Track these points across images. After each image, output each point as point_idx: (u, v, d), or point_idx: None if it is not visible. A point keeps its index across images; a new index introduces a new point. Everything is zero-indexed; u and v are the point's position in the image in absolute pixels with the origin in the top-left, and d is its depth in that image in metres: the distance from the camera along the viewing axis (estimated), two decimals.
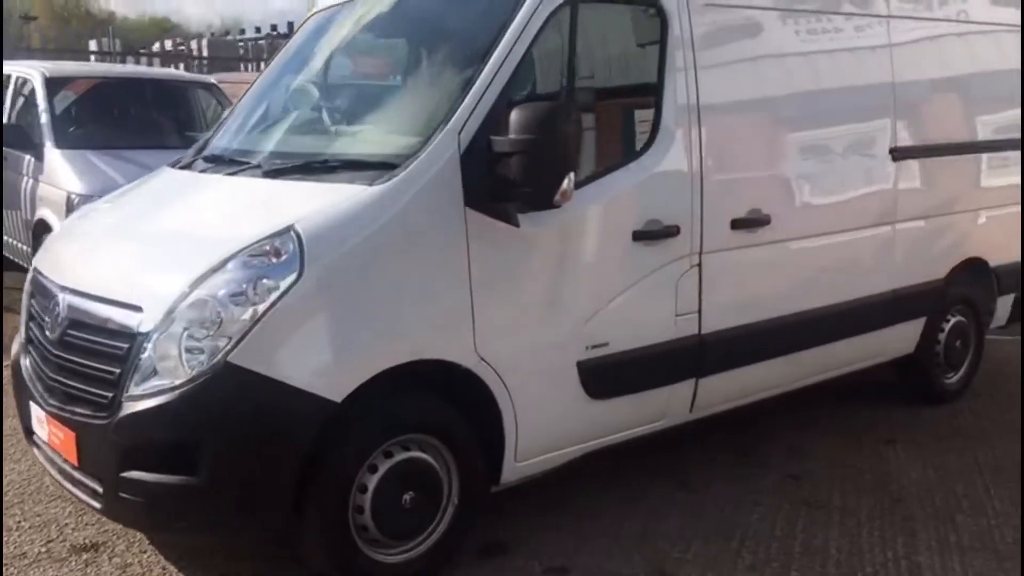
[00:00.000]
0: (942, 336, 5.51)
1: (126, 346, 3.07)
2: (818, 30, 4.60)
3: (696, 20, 3.97)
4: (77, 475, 3.26)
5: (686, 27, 3.93)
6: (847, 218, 4.74)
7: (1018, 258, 5.79)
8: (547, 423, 3.66)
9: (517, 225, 3.37)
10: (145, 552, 3.66)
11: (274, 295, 2.98)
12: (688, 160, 3.95)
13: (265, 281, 2.99)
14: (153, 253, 3.42)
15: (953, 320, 5.56)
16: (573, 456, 3.84)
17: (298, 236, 3.06)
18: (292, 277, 3.00)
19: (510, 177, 3.25)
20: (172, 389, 2.95)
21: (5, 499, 4.11)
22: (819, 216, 4.60)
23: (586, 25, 3.71)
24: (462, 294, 3.31)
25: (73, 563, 3.59)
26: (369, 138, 3.67)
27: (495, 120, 3.31)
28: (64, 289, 3.44)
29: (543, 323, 3.58)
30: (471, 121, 3.31)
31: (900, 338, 5.21)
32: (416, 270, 3.24)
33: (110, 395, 3.07)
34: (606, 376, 3.79)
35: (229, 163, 3.90)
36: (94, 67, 8.98)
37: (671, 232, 3.91)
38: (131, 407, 3.00)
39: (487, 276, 3.37)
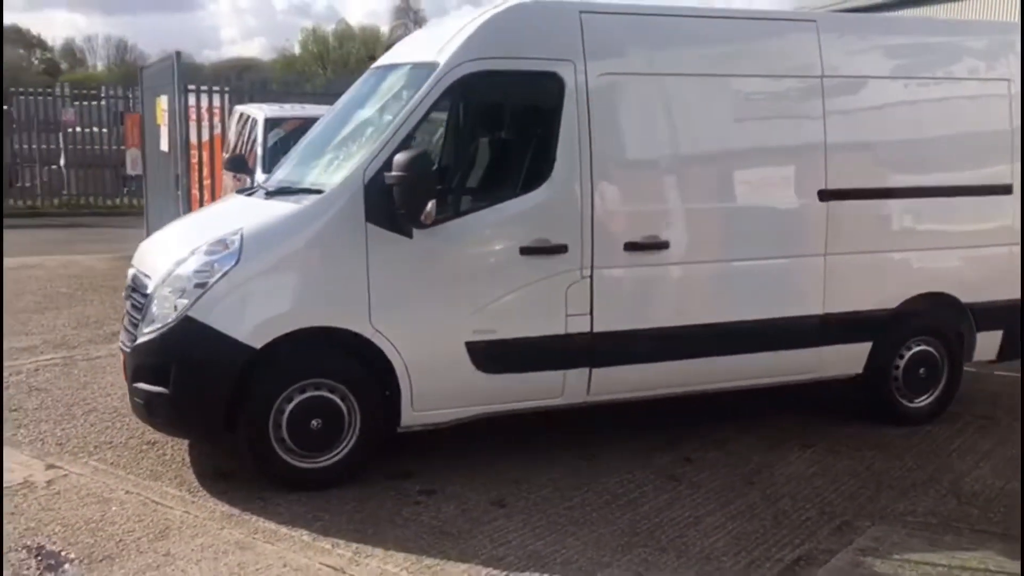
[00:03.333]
0: (900, 362, 6.02)
1: (143, 302, 4.79)
2: (732, 89, 5.48)
3: (593, 83, 5.06)
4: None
5: (582, 89, 5.04)
6: (763, 248, 5.53)
7: (1005, 296, 6.15)
8: (439, 385, 4.93)
9: (410, 236, 4.71)
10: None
11: (219, 274, 4.56)
12: (579, 194, 5.05)
13: (216, 264, 4.59)
14: (175, 244, 5.11)
15: (916, 348, 6.05)
16: (470, 414, 5.08)
17: (242, 235, 4.62)
18: (232, 262, 4.56)
19: (394, 202, 4.61)
20: (157, 331, 4.63)
21: None
22: (724, 245, 5.45)
23: (491, 89, 4.98)
24: (361, 282, 4.69)
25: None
26: (321, 173, 5.16)
27: (391, 163, 4.66)
28: (132, 267, 5.25)
29: (433, 309, 4.86)
30: (374, 163, 4.70)
31: (839, 359, 5.84)
32: (326, 262, 4.68)
33: (135, 333, 4.79)
34: (494, 356, 4.99)
35: (258, 190, 5.55)
36: (309, 108, 11.15)
37: (559, 249, 5.03)
38: (140, 340, 4.71)
39: (382, 271, 4.72)
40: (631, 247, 5.20)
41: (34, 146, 19.73)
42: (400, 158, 4.56)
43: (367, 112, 5.36)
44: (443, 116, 5.56)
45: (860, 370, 5.94)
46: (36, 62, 59.10)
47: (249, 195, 5.49)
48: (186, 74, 11.43)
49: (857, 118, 5.75)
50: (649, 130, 5.29)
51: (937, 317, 6.12)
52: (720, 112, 5.46)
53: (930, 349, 6.10)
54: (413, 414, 4.93)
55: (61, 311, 9.17)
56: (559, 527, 4.43)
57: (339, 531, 4.30)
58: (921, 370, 6.07)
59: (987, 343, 6.25)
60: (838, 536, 4.39)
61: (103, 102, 20.92)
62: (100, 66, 57.60)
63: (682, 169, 5.38)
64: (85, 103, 20.69)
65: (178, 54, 10.68)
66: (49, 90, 21.39)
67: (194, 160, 13.10)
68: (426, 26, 5.78)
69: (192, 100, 12.69)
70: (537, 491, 4.86)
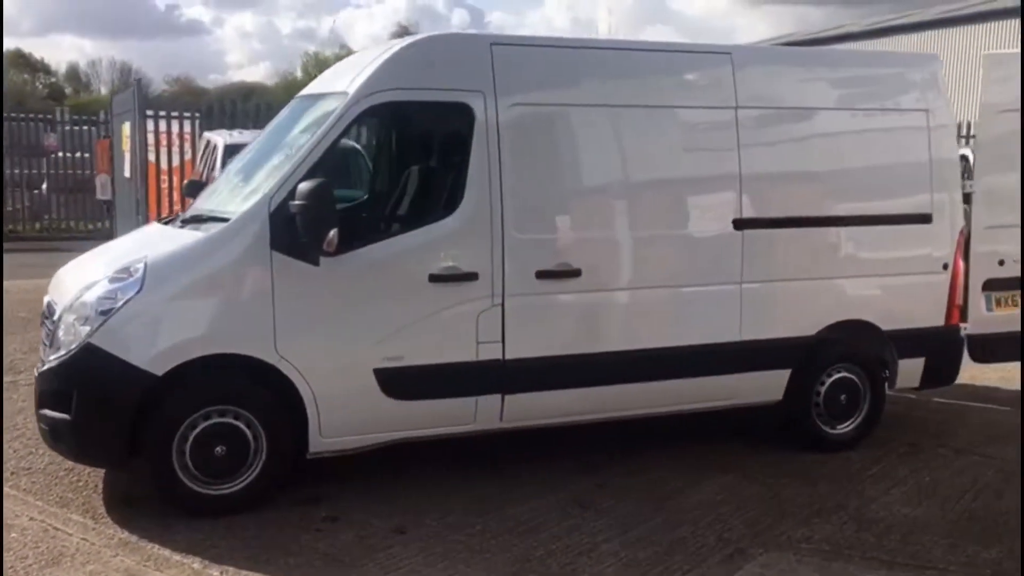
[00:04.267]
0: (821, 389, 6.08)
1: (52, 328, 4.84)
2: (646, 120, 5.57)
3: (503, 114, 5.15)
4: None
5: (493, 119, 5.12)
6: (674, 276, 5.61)
7: (926, 324, 6.22)
8: (348, 412, 4.98)
9: (316, 264, 4.78)
10: None
11: (122, 301, 4.61)
12: (489, 223, 5.13)
13: (119, 292, 4.65)
14: (85, 271, 5.16)
15: (837, 375, 6.11)
16: (380, 441, 5.13)
17: (146, 264, 4.68)
18: (135, 290, 4.63)
19: (298, 230, 4.68)
20: (60, 357, 4.68)
21: None
22: (637, 272, 5.53)
23: (401, 119, 5.06)
24: (266, 309, 4.75)
25: None
26: (232, 201, 5.23)
27: (296, 191, 4.74)
28: (47, 294, 5.31)
29: (341, 336, 4.92)
30: (280, 192, 4.78)
31: (758, 386, 5.90)
32: (230, 290, 4.75)
33: (43, 358, 4.84)
34: (404, 382, 5.05)
35: (176, 218, 5.62)
36: None
37: (470, 277, 5.10)
38: (45, 367, 4.76)
39: (288, 298, 4.79)
40: (543, 275, 5.26)
41: (16, 171, 19.86)
42: (303, 187, 4.64)
43: (281, 141, 5.43)
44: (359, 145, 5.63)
45: (780, 397, 6.00)
46: (40, 87, 59.60)
47: (167, 223, 5.56)
48: (149, 101, 11.60)
49: (772, 148, 5.85)
50: (561, 160, 5.37)
51: (857, 345, 6.18)
52: (633, 142, 5.55)
53: (851, 376, 6.15)
54: (322, 441, 4.97)
55: (16, 335, 9.21)
56: (454, 555, 4.46)
57: (231, 559, 4.33)
58: (842, 397, 6.13)
59: (909, 371, 6.31)
60: (728, 563, 4.42)
61: (85, 127, 21.07)
62: (104, 91, 58.09)
63: (595, 198, 5.47)
64: (68, 128, 20.84)
65: (139, 81, 10.87)
66: (32, 115, 21.57)
67: (164, 185, 13.22)
68: (350, 56, 5.85)
69: (161, 126, 12.86)
70: (442, 517, 4.89)
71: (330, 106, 5.08)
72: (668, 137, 5.62)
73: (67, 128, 20.52)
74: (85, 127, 20.92)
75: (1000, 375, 8.05)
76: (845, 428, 6.19)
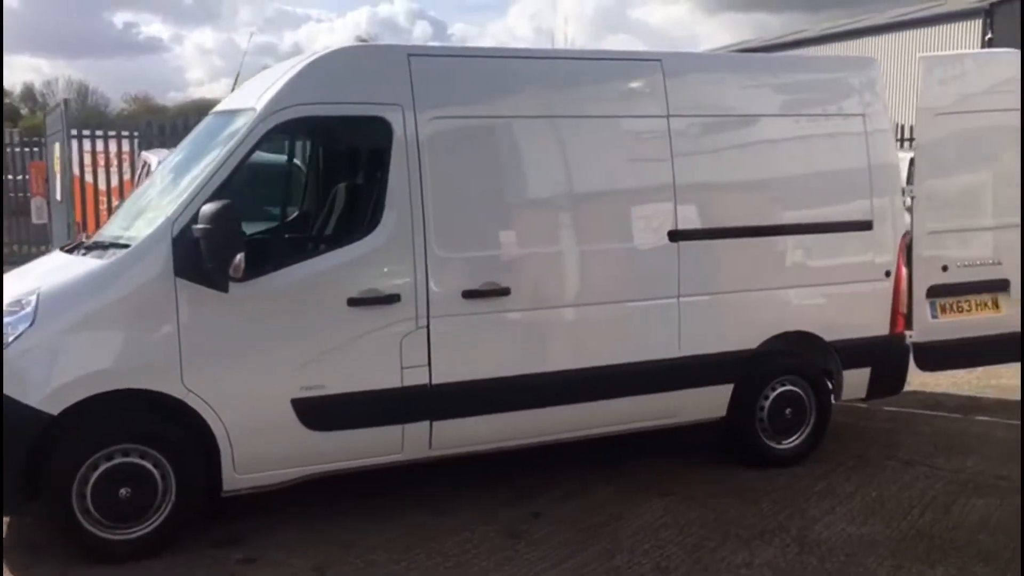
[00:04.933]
0: (765, 403, 5.90)
1: None
2: (574, 131, 5.36)
3: (423, 128, 4.92)
4: None
5: (412, 134, 4.89)
6: (609, 291, 5.40)
7: (870, 333, 6.07)
8: (265, 446, 4.70)
9: (225, 290, 4.50)
10: None
11: (13, 336, 4.30)
12: (411, 242, 4.89)
13: (10, 327, 4.33)
14: None
15: (780, 389, 5.93)
16: (302, 475, 4.85)
17: (39, 295, 4.38)
18: (27, 324, 4.32)
19: (202, 256, 4.40)
20: None
21: None
22: (569, 289, 5.31)
23: (314, 135, 4.81)
24: (171, 340, 4.47)
25: None
26: (134, 226, 4.94)
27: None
28: None
29: (255, 366, 4.65)
30: (184, 215, 4.50)
31: (700, 402, 5.70)
32: (131, 320, 4.46)
33: None
34: (324, 413, 4.78)
35: (80, 245, 5.31)
36: None
37: (391, 299, 4.85)
38: None
39: (195, 327, 4.51)
40: (470, 295, 5.03)
41: None
42: (206, 209, 4.37)
43: (190, 161, 5.16)
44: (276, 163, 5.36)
45: (723, 413, 5.81)
46: None
47: (70, 251, 5.25)
48: (87, 120, 11.25)
49: (707, 157, 5.67)
50: (486, 174, 5.15)
51: (801, 356, 6.02)
52: (561, 155, 5.34)
53: (795, 389, 5.98)
54: (237, 478, 4.69)
55: None
56: None
57: None
58: (787, 411, 5.95)
59: (855, 381, 6.14)
60: None
61: (27, 149, 20.48)
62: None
63: (523, 213, 5.25)
64: (15, 149, 20.22)
65: (66, 102, 10.47)
66: None
67: (104, 207, 12.85)
68: (264, 70, 5.59)
69: (99, 146, 12.52)
70: (367, 554, 4.63)
71: (239, 123, 4.83)
72: (597, 148, 5.42)
73: (15, 150, 19.93)
74: (27, 148, 20.34)
75: (952, 381, 7.96)
76: (791, 443, 6.01)
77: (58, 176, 11.14)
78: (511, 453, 5.47)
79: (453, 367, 5.02)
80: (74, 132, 10.99)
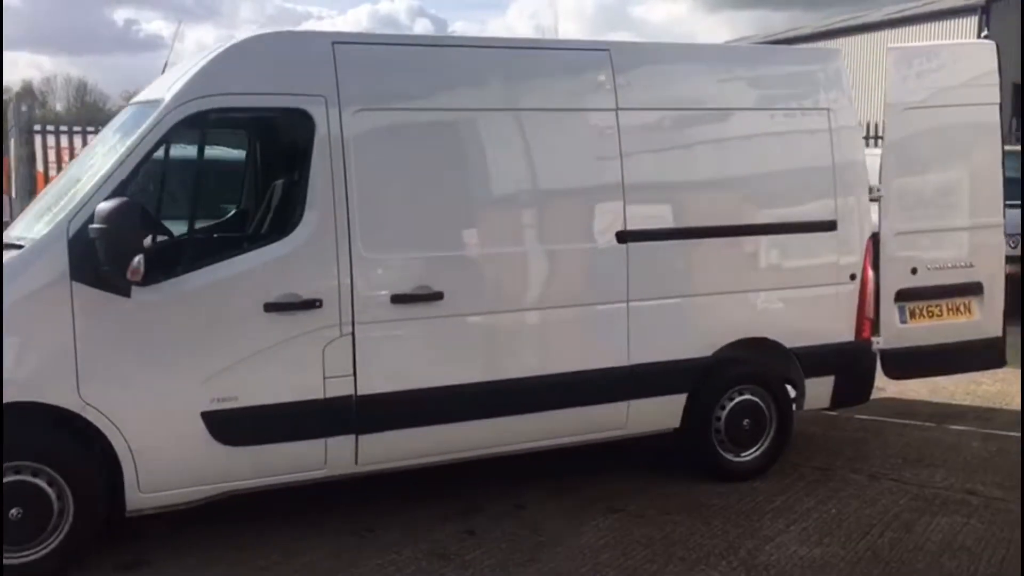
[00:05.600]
0: (722, 413, 5.57)
1: None
2: (514, 124, 5.04)
3: (350, 121, 4.58)
4: None
5: (337, 126, 4.56)
6: (551, 296, 5.08)
7: (834, 340, 5.75)
8: (172, 462, 4.38)
9: (127, 295, 4.17)
10: None
11: None
12: (335, 243, 4.56)
13: None
14: None
15: (738, 398, 5.61)
16: (214, 492, 4.53)
17: None
18: None
19: (99, 258, 4.07)
20: None
21: None
22: (508, 293, 4.98)
23: (227, 128, 4.47)
24: (65, 349, 4.14)
25: None
26: (32, 225, 4.61)
27: None
28: None
29: (160, 376, 4.32)
30: (80, 214, 4.17)
31: (651, 413, 5.38)
32: (17, 328, 4.11)
33: None
34: (238, 426, 4.46)
35: None
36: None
37: (312, 305, 4.52)
38: None
39: (93, 335, 4.18)
40: (400, 299, 4.71)
41: None
42: (102, 208, 4.04)
43: (97, 155, 4.83)
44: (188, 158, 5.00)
45: (677, 424, 5.49)
46: None
47: None
48: (48, 116, 10.93)
49: (659, 154, 5.35)
50: (418, 171, 4.81)
51: (760, 364, 5.70)
52: (500, 150, 5.01)
53: (754, 399, 5.66)
54: (141, 497, 4.37)
55: None
56: None
57: None
58: (745, 421, 5.63)
59: (818, 390, 5.82)
60: None
61: None
62: (60, 107, 56.69)
63: (458, 212, 4.91)
64: None
65: (18, 95, 10.11)
66: None
67: None
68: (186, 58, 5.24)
69: (63, 141, 12.23)
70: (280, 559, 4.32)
71: (143, 116, 4.49)
72: (540, 144, 5.09)
73: None
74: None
75: (929, 388, 7.65)
76: (750, 455, 5.68)
77: (13, 173, 10.80)
78: (449, 465, 5.15)
79: (381, 377, 4.70)
80: (38, 128, 10.67)
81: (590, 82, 5.19)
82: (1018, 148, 14.27)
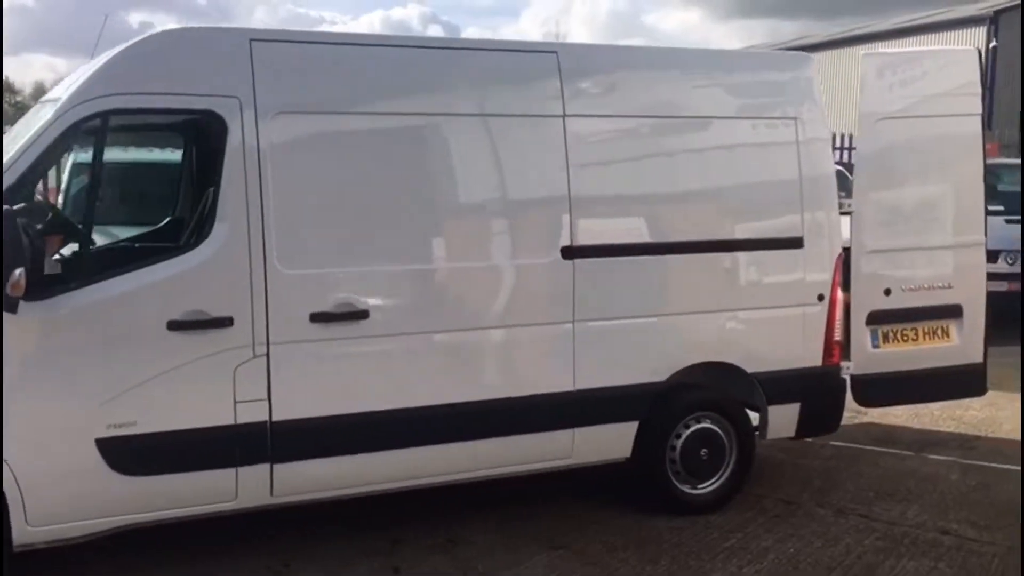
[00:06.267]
0: (677, 443, 5.21)
1: None
2: (451, 131, 4.69)
3: (267, 125, 4.24)
4: None
5: (252, 130, 4.21)
6: (489, 315, 4.73)
7: (799, 364, 5.39)
8: (63, 493, 4.03)
9: (13, 311, 3.83)
10: None
11: None
12: (248, 256, 4.21)
13: None
14: None
15: (695, 426, 5.24)
16: (111, 526, 4.17)
17: None
18: None
19: None
20: None
21: None
22: (441, 312, 4.63)
23: (130, 131, 4.14)
24: None
25: None
26: None
27: None
28: None
29: (50, 400, 3.98)
30: None
31: (599, 442, 5.02)
32: None
33: None
34: (138, 454, 4.11)
35: None
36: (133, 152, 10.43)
37: (222, 323, 4.18)
38: None
39: None
40: (320, 318, 4.36)
41: None
42: None
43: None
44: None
45: (628, 454, 5.13)
46: (8, 106, 57.79)
47: None
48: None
49: (610, 163, 4.99)
50: (343, 179, 4.47)
51: (718, 390, 5.34)
52: (433, 158, 4.67)
53: (712, 427, 5.28)
54: (29, 530, 4.01)
55: None
56: None
57: None
58: (703, 451, 5.26)
59: (783, 418, 5.45)
60: None
61: None
62: None
63: (387, 224, 4.54)
64: None
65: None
66: None
67: None
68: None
69: None
70: None
71: (40, 117, 4.16)
72: (479, 151, 4.74)
73: None
74: None
75: (912, 412, 7.27)
76: (708, 487, 5.31)
77: None
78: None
79: (299, 401, 4.35)
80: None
81: (535, 86, 4.85)
82: (1018, 161, 13.93)
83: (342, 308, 4.39)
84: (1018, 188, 12.37)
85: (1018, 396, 7.84)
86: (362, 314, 4.42)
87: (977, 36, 31.38)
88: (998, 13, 30.96)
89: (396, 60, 4.62)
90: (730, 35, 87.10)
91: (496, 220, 4.78)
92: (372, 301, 4.45)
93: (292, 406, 4.34)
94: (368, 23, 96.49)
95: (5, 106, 56.34)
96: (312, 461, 4.41)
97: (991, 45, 30.47)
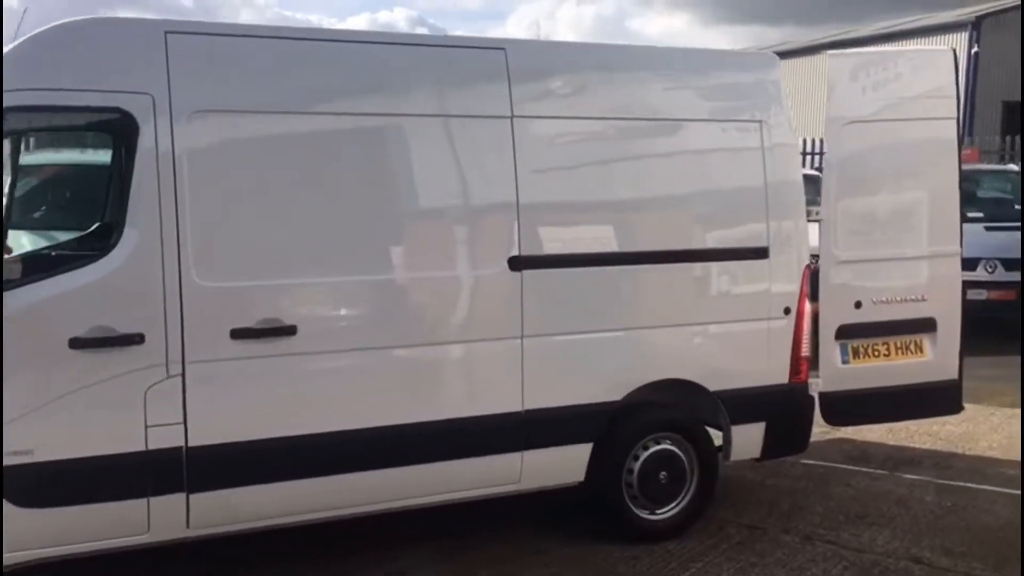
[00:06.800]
0: (635, 465, 4.89)
1: None
2: (389, 132, 4.36)
3: (183, 125, 3.89)
4: None
5: (165, 130, 3.87)
6: (429, 331, 4.40)
7: (765, 382, 5.08)
8: None
9: None
10: None
11: None
12: (159, 268, 3.87)
13: None
14: None
15: (654, 448, 4.93)
16: (15, 561, 3.82)
17: None
18: None
19: None
20: None
21: None
22: (376, 327, 4.29)
23: (27, 131, 3.79)
24: None
25: None
26: None
27: None
28: None
29: None
30: None
31: (550, 465, 4.70)
32: None
33: None
34: (36, 485, 3.77)
35: None
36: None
37: (131, 340, 3.83)
38: None
39: None
40: (242, 334, 4.01)
41: None
42: None
43: None
44: None
45: (581, 478, 4.80)
46: None
47: None
48: None
49: (561, 168, 4.66)
50: (268, 183, 4.12)
51: (678, 410, 5.02)
52: (367, 161, 4.32)
53: (672, 448, 4.97)
54: None
55: None
56: None
57: None
58: (662, 475, 4.94)
59: (747, 438, 5.14)
60: None
61: None
62: None
63: (317, 233, 4.19)
64: None
65: None
66: None
67: None
68: None
69: None
70: None
71: None
72: (419, 154, 4.41)
73: None
74: None
75: (887, 427, 6.92)
76: (667, 512, 4.99)
77: None
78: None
79: (218, 425, 4.01)
80: None
81: (482, 85, 4.52)
82: (1016, 167, 13.76)
83: (267, 324, 4.05)
84: (998, 194, 12.21)
85: (995, 410, 7.63)
86: (289, 330, 4.08)
87: (959, 42, 31.31)
88: (980, 19, 30.89)
89: (329, 56, 4.28)
90: (715, 41, 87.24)
91: (437, 228, 4.45)
92: (300, 316, 4.11)
93: (210, 430, 3.99)
94: (354, 26, 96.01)
95: None
96: (234, 490, 4.07)
97: (973, 51, 30.42)
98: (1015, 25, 25.59)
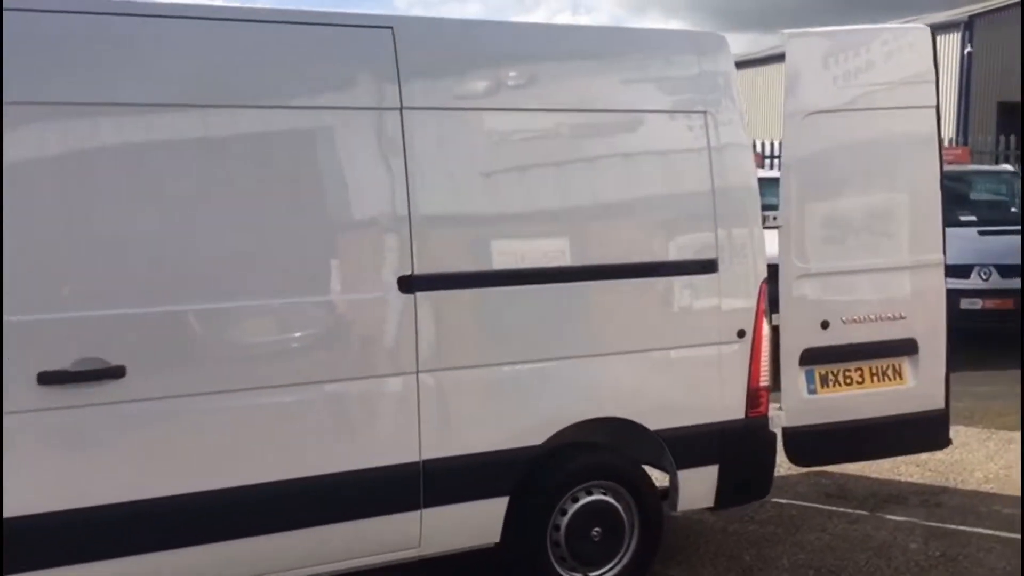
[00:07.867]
0: (562, 521, 4.13)
1: None
2: (238, 126, 3.60)
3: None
4: None
5: None
6: (295, 368, 3.64)
7: (716, 418, 4.34)
8: None
9: None
10: None
11: None
12: None
13: None
14: None
15: (585, 499, 4.17)
16: None
17: None
18: None
19: None
20: None
21: None
22: (229, 367, 3.53)
23: None
24: None
25: None
26: None
27: None
28: None
29: None
30: None
31: (457, 525, 3.94)
32: None
33: None
34: None
35: None
36: None
37: None
38: None
39: None
40: (53, 379, 3.25)
41: None
42: None
43: None
44: None
45: (496, 538, 4.04)
46: None
47: None
48: None
49: (463, 170, 3.91)
50: (93, 194, 3.36)
51: (614, 453, 4.28)
52: (216, 163, 3.56)
53: (607, 499, 4.21)
54: None
55: None
56: None
57: None
58: (595, 531, 4.18)
59: (697, 485, 4.38)
60: None
61: None
62: None
63: (152, 254, 3.44)
64: None
65: None
66: None
67: None
68: None
69: None
70: None
71: None
72: (280, 154, 3.65)
73: None
74: None
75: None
76: (603, 574, 4.23)
77: None
78: None
79: (23, 493, 3.24)
80: None
81: (363, 70, 3.77)
82: (1010, 168, 13.25)
83: (86, 365, 3.29)
84: (992, 196, 11.54)
85: (992, 433, 6.90)
86: (115, 371, 3.32)
87: (952, 42, 30.74)
88: (973, 18, 30.32)
89: (173, 35, 3.52)
90: None
91: (307, 243, 3.67)
92: (129, 354, 3.35)
93: (20, 499, 3.22)
94: None
95: None
96: (49, 571, 3.30)
97: (966, 51, 29.83)
98: (1009, 23, 25.05)
